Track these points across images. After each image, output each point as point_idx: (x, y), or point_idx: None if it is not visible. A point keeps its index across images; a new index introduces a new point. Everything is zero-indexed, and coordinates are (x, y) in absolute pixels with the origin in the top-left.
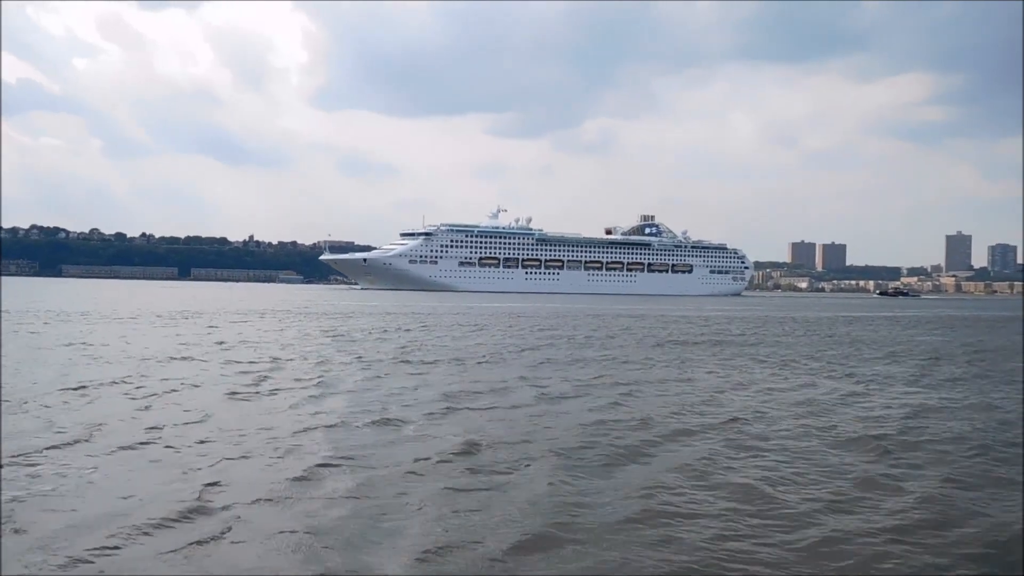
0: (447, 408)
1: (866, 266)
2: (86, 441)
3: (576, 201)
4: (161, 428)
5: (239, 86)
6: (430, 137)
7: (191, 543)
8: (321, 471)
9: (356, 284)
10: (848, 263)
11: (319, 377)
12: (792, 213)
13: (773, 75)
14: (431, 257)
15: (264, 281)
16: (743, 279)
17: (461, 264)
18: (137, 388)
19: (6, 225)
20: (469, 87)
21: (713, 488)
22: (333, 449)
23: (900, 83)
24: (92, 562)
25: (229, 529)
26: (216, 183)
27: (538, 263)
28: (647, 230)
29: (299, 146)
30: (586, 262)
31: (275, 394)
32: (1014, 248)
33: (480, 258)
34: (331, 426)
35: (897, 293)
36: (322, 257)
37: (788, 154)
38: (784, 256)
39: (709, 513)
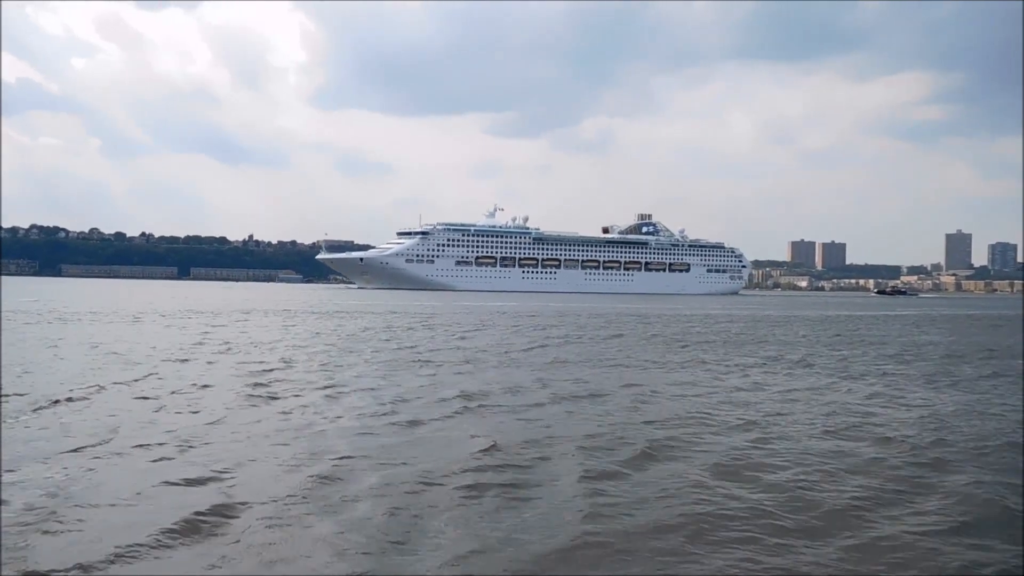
0: (465, 408)
1: (866, 265)
2: (105, 443)
3: (574, 200)
4: (179, 429)
5: (237, 85)
6: (429, 136)
7: (215, 543)
8: (342, 471)
9: (353, 283)
10: (848, 262)
11: (332, 377)
12: (791, 212)
13: (771, 74)
14: (428, 256)
15: (264, 280)
16: (740, 278)
17: (458, 263)
18: (152, 389)
19: (6, 225)
20: (468, 86)
21: (744, 488)
22: (354, 449)
23: (898, 82)
24: (116, 563)
25: (253, 529)
26: (215, 182)
27: (535, 262)
28: (644, 229)
29: (298, 145)
30: (583, 261)
31: (290, 394)
32: (1014, 247)
33: (477, 257)
34: (350, 426)
35: (895, 292)
36: (319, 256)
37: (786, 153)
38: (784, 255)
39: (742, 514)
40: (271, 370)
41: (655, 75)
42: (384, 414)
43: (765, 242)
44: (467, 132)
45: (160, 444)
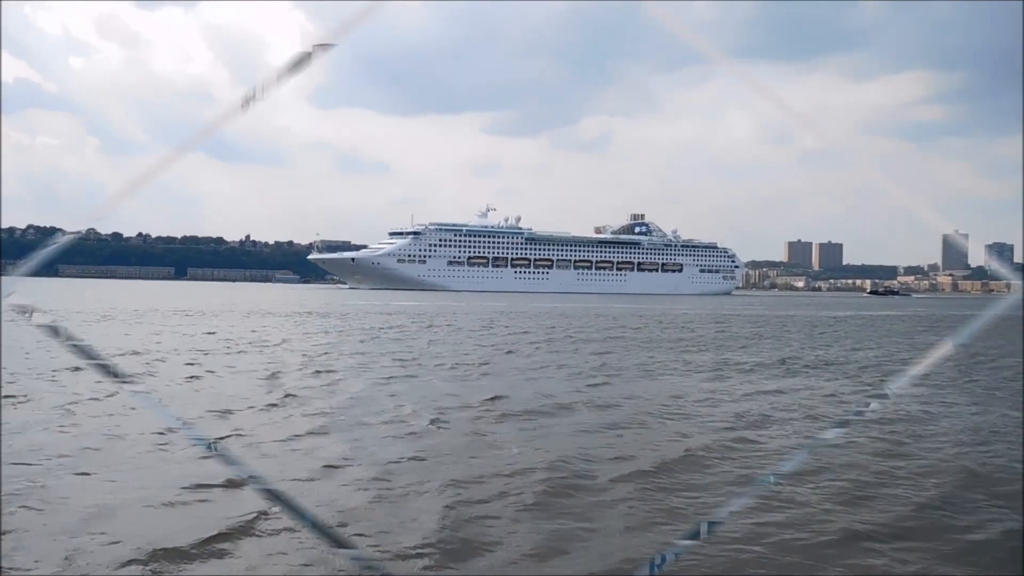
0: (498, 411)
1: (863, 265)
2: (138, 445)
3: (573, 200)
4: (210, 429)
5: (236, 85)
6: (428, 135)
7: (258, 543)
8: (381, 472)
9: (345, 284)
10: (845, 262)
11: (347, 377)
12: (789, 212)
13: (771, 74)
14: (419, 256)
15: (260, 281)
16: (733, 278)
17: (450, 263)
18: (176, 389)
19: (3, 225)
20: (467, 86)
21: (808, 490)
22: (387, 451)
23: (898, 82)
24: (160, 563)
25: (294, 529)
26: (213, 182)
27: (527, 262)
28: (637, 229)
29: (296, 145)
30: (575, 261)
31: (314, 397)
32: (1011, 247)
33: (469, 257)
34: (381, 428)
35: (888, 292)
36: (310, 256)
37: (785, 153)
38: (781, 255)
39: (812, 515)
40: (291, 372)
41: (654, 75)
42: (411, 415)
43: (763, 242)
44: (466, 131)
45: (193, 446)
